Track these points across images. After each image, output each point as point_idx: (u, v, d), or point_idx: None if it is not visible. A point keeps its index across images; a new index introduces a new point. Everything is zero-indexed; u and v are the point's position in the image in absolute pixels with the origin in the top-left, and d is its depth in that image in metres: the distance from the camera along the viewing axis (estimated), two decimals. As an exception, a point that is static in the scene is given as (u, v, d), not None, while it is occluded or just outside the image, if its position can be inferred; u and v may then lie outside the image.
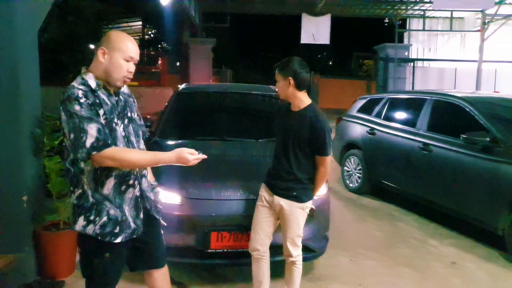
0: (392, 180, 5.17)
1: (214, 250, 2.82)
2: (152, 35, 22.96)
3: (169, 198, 2.89)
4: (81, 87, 1.81)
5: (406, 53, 12.66)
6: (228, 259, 2.92)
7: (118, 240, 1.89)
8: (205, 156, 1.93)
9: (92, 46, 12.53)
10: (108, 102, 1.88)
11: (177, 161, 1.89)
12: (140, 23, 20.99)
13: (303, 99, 2.49)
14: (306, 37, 13.12)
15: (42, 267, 3.08)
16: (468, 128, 4.06)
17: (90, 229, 1.86)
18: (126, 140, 1.92)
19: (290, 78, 2.42)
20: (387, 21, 13.92)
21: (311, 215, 2.65)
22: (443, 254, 3.84)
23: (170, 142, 3.74)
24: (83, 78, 1.86)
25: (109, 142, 1.78)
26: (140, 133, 2.08)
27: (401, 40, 13.00)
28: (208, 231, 2.80)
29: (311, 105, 2.51)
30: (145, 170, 2.08)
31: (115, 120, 1.88)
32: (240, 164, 3.38)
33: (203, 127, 4.07)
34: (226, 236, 2.82)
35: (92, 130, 1.75)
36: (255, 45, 25.90)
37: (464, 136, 4.01)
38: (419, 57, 12.88)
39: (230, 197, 2.90)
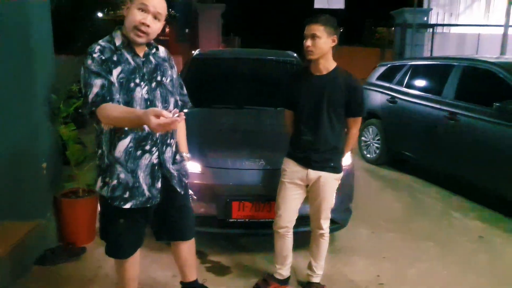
0: (413, 150, 5.03)
1: (235, 220, 2.77)
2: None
3: (189, 166, 2.81)
4: (103, 43, 1.78)
5: (425, 18, 12.11)
6: (249, 229, 2.87)
7: (127, 206, 1.84)
8: (178, 119, 1.40)
9: (100, 14, 12.20)
10: (132, 62, 1.80)
11: (155, 124, 1.44)
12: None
13: (333, 61, 2.33)
14: (319, 2, 12.61)
15: (63, 234, 3.09)
16: (501, 96, 3.84)
17: (105, 191, 1.86)
18: (148, 103, 1.81)
19: (335, 36, 2.24)
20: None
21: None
22: (468, 227, 3.74)
23: (185, 111, 3.62)
24: (111, 35, 1.82)
25: (108, 98, 1.69)
26: (172, 100, 1.93)
27: (420, 4, 12.41)
28: (230, 200, 2.73)
29: (339, 67, 2.35)
30: (171, 139, 1.97)
31: (137, 81, 1.78)
32: (259, 133, 3.26)
33: (219, 95, 3.93)
34: (247, 206, 2.75)
35: (96, 85, 1.69)
36: (264, 11, 25.16)
37: (497, 104, 3.79)
38: (439, 23, 12.31)
39: (251, 167, 2.81)
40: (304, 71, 2.41)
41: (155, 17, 1.76)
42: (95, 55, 1.73)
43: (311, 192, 2.44)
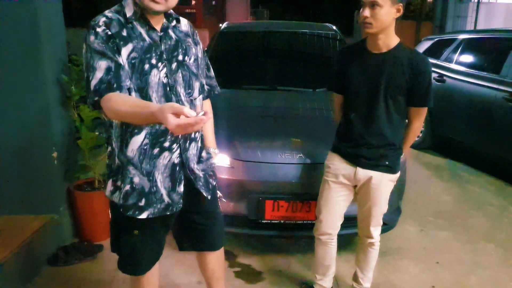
0: (463, 135, 4.50)
1: (269, 221, 2.41)
2: (185, -27, 21.75)
3: (216, 159, 2.46)
4: (109, 14, 1.44)
5: (469, -13, 11.13)
6: (285, 231, 2.51)
7: (143, 216, 1.51)
8: (203, 119, 1.08)
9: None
10: (146, 38, 1.45)
11: (175, 126, 1.10)
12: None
13: (395, 36, 1.86)
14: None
15: (79, 229, 2.84)
16: None
17: (116, 197, 1.54)
18: (167, 89, 1.46)
19: (401, 4, 1.76)
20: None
21: None
22: (533, 227, 3.27)
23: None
24: (121, 4, 1.47)
25: (115, 86, 1.35)
26: (196, 84, 1.58)
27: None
28: (263, 199, 2.38)
29: (402, 43, 1.88)
30: (197, 133, 1.61)
31: (153, 61, 1.43)
32: (296, 119, 2.85)
33: (250, 74, 3.51)
34: (283, 205, 2.38)
35: (100, 68, 1.36)
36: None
37: None
38: (485, -8, 11.30)
39: (288, 161, 2.42)
40: (358, 47, 1.95)
41: None
42: (99, 30, 1.38)
43: (360, 195, 2.04)
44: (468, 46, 4.70)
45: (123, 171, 1.50)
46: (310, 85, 3.26)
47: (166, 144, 1.50)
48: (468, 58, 4.64)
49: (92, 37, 1.38)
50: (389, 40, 1.84)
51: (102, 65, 1.35)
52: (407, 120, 2.00)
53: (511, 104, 3.78)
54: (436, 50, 5.11)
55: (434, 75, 4.81)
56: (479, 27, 10.54)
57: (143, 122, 1.31)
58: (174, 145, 1.52)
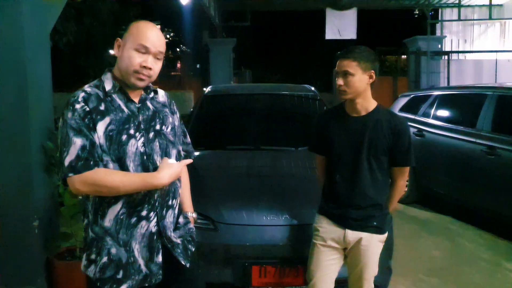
0: (446, 188, 4.56)
1: (256, 288, 2.32)
2: (170, 38, 22.75)
3: (199, 222, 2.40)
4: (89, 89, 1.49)
5: (439, 46, 11.83)
6: (273, 298, 2.40)
7: None
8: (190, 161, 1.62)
9: (111, 51, 12.29)
10: (125, 109, 1.50)
11: (169, 180, 1.46)
12: (159, 26, 20.78)
13: (372, 99, 1.95)
14: (331, 33, 12.48)
15: (56, 303, 2.67)
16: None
17: (91, 271, 1.49)
18: (144, 158, 1.49)
19: (372, 71, 1.87)
20: (417, 12, 13.11)
21: None
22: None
23: (197, 153, 3.26)
24: (100, 79, 1.54)
25: (92, 163, 1.39)
26: (173, 152, 1.61)
27: (433, 32, 12.18)
28: (249, 264, 2.30)
29: (381, 106, 1.97)
30: (174, 200, 1.59)
31: (131, 131, 1.47)
32: (280, 178, 2.84)
33: (234, 135, 3.58)
34: (270, 271, 2.30)
35: (75, 145, 1.39)
36: (275, 43, 25.24)
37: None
38: (453, 49, 12.02)
39: (273, 222, 2.39)
40: (338, 111, 2.03)
41: (156, 57, 1.50)
42: (77, 106, 1.42)
43: (350, 258, 2.01)
44: (443, 101, 4.91)
45: (98, 243, 1.48)
46: (293, 144, 3.32)
47: (144, 212, 1.49)
48: (444, 112, 4.83)
49: (69, 114, 1.41)
50: (367, 103, 1.92)
51: (77, 142, 1.38)
52: (390, 180, 2.03)
53: (490, 156, 3.89)
54: (413, 106, 5.32)
55: (413, 129, 4.98)
56: (451, 82, 11.10)
57: (141, 189, 1.44)
58: (151, 214, 1.51)
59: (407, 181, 5.00)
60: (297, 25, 22.91)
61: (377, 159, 1.91)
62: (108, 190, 1.40)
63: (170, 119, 1.64)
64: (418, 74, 11.72)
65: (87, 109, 1.42)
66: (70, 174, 1.37)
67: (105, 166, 1.43)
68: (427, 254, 3.72)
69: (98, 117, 1.43)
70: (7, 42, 2.48)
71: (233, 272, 2.32)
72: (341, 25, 12.37)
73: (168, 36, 22.65)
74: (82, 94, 1.45)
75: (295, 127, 3.66)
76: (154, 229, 1.51)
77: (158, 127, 1.56)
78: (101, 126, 1.43)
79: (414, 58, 12.08)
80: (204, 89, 4.14)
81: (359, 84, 1.85)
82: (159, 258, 1.53)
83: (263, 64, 23.83)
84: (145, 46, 1.45)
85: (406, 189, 5.07)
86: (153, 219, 1.51)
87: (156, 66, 1.50)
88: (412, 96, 5.59)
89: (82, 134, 1.39)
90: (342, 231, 1.96)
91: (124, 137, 1.46)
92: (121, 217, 1.46)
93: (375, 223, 1.95)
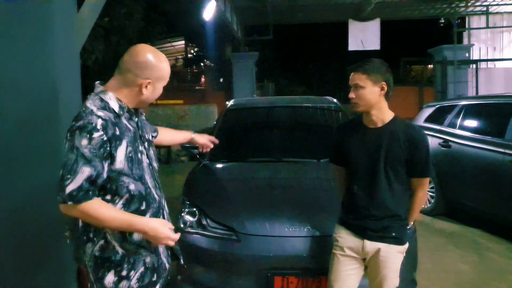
0: (474, 200, 4.43)
1: (278, 299, 2.33)
2: (194, 53, 23.23)
3: (222, 233, 2.46)
4: (101, 113, 1.44)
5: (467, 55, 11.62)
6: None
7: None
8: (176, 237, 1.55)
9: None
10: (131, 128, 1.55)
11: (149, 233, 1.48)
12: (183, 42, 21.27)
13: (388, 111, 1.97)
14: (354, 44, 12.47)
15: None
16: None
17: (123, 286, 1.54)
18: (150, 168, 1.61)
19: (384, 83, 1.90)
20: (443, 21, 12.93)
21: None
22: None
23: (220, 165, 3.35)
24: (102, 99, 1.48)
25: (91, 194, 1.40)
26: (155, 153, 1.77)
27: (459, 41, 11.97)
28: (271, 275, 2.32)
29: (397, 117, 1.99)
30: (163, 199, 1.71)
31: (140, 148, 1.56)
32: (302, 190, 2.87)
33: (256, 147, 3.63)
34: (293, 281, 2.32)
35: (82, 174, 1.37)
36: (297, 56, 25.32)
37: None
38: (482, 58, 11.76)
39: (296, 234, 2.40)
40: (355, 123, 2.06)
41: None
42: (95, 135, 1.38)
43: (370, 268, 2.00)
44: (470, 111, 4.81)
45: (130, 258, 1.53)
46: (315, 156, 3.33)
47: (160, 215, 1.64)
48: (471, 123, 4.73)
49: (84, 141, 1.37)
50: (383, 115, 1.94)
51: (85, 171, 1.37)
52: (411, 191, 2.03)
53: (518, 167, 3.78)
54: (438, 116, 5.23)
55: (438, 140, 4.90)
56: (480, 91, 10.83)
57: (123, 229, 1.48)
58: (164, 212, 1.68)
59: (432, 192, 4.92)
60: (319, 36, 22.93)
61: (395, 170, 1.92)
62: (96, 222, 1.43)
63: (148, 126, 1.76)
64: (445, 84, 11.51)
65: (105, 138, 1.40)
66: (69, 202, 1.38)
67: (127, 187, 1.48)
68: (454, 268, 3.62)
69: (117, 142, 1.44)
70: (40, 62, 2.61)
71: (256, 282, 2.34)
72: (364, 36, 12.34)
73: (192, 51, 23.14)
74: (100, 121, 1.41)
75: (317, 139, 3.68)
76: None
77: (147, 136, 1.68)
78: (121, 152, 1.45)
79: (440, 68, 11.88)
80: (227, 102, 4.23)
81: (370, 96, 1.89)
82: (168, 251, 1.72)
83: (286, 76, 23.89)
84: (166, 80, 1.58)
85: (432, 200, 4.97)
86: (162, 216, 1.65)
87: None
88: (437, 106, 5.51)
89: (92, 164, 1.38)
90: (361, 241, 1.97)
91: (139, 155, 1.53)
92: None
93: (393, 234, 1.95)
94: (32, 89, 2.56)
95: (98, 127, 1.39)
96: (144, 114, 1.71)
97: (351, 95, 1.93)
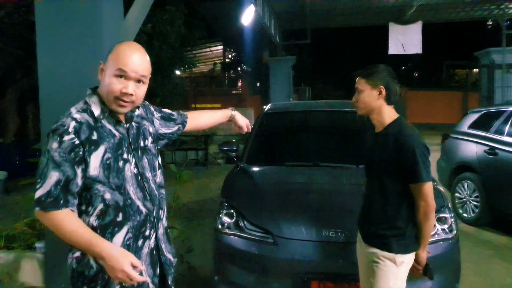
0: (524, 211, 4.20)
1: (315, 304, 2.32)
2: (232, 58, 23.53)
3: (259, 235, 2.49)
4: (78, 115, 1.38)
5: (516, 58, 11.04)
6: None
7: None
8: (136, 277, 1.34)
9: (178, 72, 12.99)
10: (116, 133, 1.44)
11: (106, 260, 1.32)
12: (221, 47, 21.62)
13: (389, 115, 1.94)
14: (394, 48, 12.19)
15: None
16: None
17: None
18: (139, 178, 1.47)
19: (382, 87, 1.91)
20: (491, 23, 12.36)
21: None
22: None
23: (257, 168, 3.38)
24: (85, 101, 1.44)
25: (61, 202, 1.32)
26: (156, 164, 1.59)
27: (509, 43, 11.39)
28: (308, 279, 2.32)
29: (397, 120, 1.93)
30: (161, 211, 1.57)
31: (124, 156, 1.44)
32: (339, 195, 2.84)
33: (293, 151, 3.64)
34: (330, 286, 2.31)
35: (50, 179, 1.31)
36: (335, 59, 25.04)
37: None
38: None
39: (333, 239, 2.40)
40: (374, 128, 2.08)
41: (139, 81, 1.43)
42: (66, 138, 1.32)
43: (365, 270, 2.04)
44: (519, 118, 4.57)
45: (104, 275, 1.40)
46: (353, 161, 3.29)
47: (147, 232, 1.49)
48: (521, 130, 4.49)
49: (55, 144, 1.32)
50: (382, 119, 1.95)
51: (53, 176, 1.31)
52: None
53: None
54: (484, 122, 5.01)
55: (484, 147, 4.69)
56: (531, 96, 10.26)
57: (83, 248, 1.34)
58: (152, 231, 1.52)
59: (477, 201, 4.70)
60: (358, 40, 22.60)
61: (388, 175, 1.88)
62: (58, 234, 1.34)
63: (150, 129, 1.61)
64: (492, 88, 10.99)
65: (77, 141, 1.33)
66: (37, 208, 1.33)
67: (102, 197, 1.38)
68: (500, 281, 3.45)
69: (92, 147, 1.36)
70: (88, 66, 2.73)
71: (292, 286, 2.35)
72: (405, 40, 12.05)
73: (230, 56, 23.45)
74: (72, 124, 1.34)
75: (355, 144, 3.62)
76: (153, 245, 1.53)
77: (142, 143, 1.53)
78: (95, 157, 1.36)
79: (487, 72, 11.36)
80: (264, 106, 4.26)
81: (368, 99, 1.93)
82: (157, 270, 1.55)
83: (323, 80, 23.69)
84: (123, 70, 1.37)
85: (476, 210, 4.75)
86: (153, 235, 1.52)
87: (139, 91, 1.43)
88: (483, 112, 5.27)
89: (61, 169, 1.31)
90: (365, 245, 2.01)
91: (120, 163, 1.41)
92: (128, 242, 1.43)
93: (385, 241, 1.89)
94: (79, 94, 2.70)
95: (70, 130, 1.33)
96: (143, 116, 1.59)
97: (353, 98, 2.01)
